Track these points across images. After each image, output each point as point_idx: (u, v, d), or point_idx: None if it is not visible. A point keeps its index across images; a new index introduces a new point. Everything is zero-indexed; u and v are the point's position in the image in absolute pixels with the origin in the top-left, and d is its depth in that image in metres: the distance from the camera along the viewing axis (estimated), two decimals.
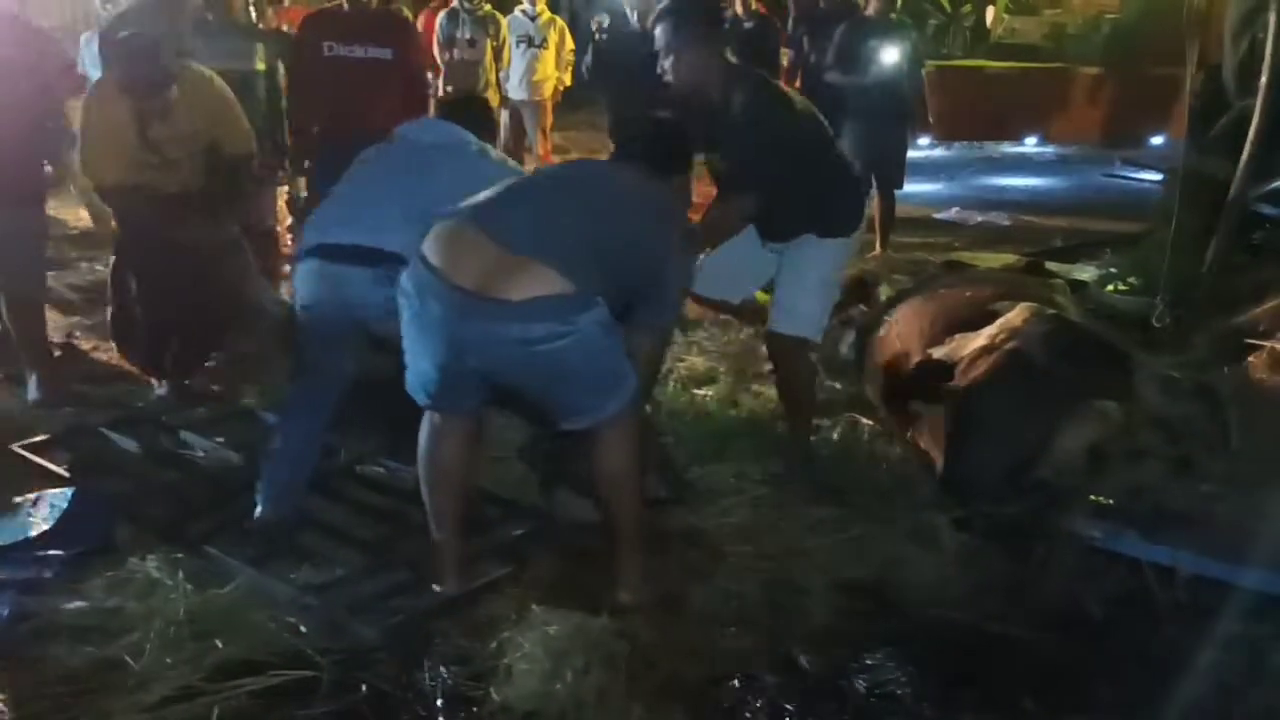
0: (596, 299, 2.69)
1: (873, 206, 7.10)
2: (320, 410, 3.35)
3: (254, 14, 6.93)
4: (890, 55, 6.75)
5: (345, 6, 5.12)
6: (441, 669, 2.65)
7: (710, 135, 3.48)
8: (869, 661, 2.71)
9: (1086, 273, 5.71)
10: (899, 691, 2.63)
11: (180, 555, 3.13)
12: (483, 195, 2.87)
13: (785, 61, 7.78)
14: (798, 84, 7.46)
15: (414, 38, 5.62)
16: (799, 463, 3.75)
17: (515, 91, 8.80)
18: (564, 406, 2.83)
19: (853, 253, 3.86)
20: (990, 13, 13.40)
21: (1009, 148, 12.44)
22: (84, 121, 4.19)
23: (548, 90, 9.16)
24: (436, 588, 2.96)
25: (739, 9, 7.57)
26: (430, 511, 2.96)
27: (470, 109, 3.74)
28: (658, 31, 3.49)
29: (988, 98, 12.01)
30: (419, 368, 2.83)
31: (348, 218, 3.26)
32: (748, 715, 2.53)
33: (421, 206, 3.01)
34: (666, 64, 3.44)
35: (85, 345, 5.15)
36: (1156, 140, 11.64)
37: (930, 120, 7.64)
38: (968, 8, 13.36)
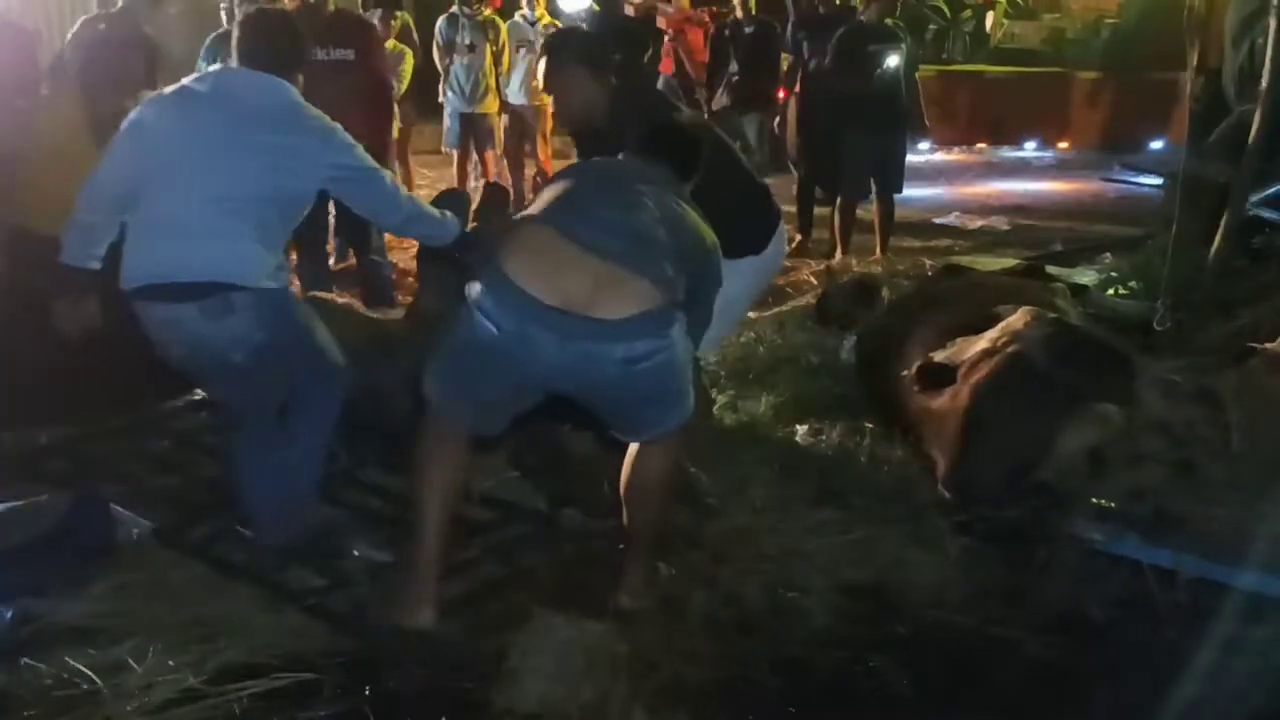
0: (680, 309, 2.65)
1: (873, 210, 7.14)
2: (269, 440, 3.13)
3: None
4: (888, 61, 6.76)
5: (301, 6, 5.12)
6: (443, 671, 2.65)
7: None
8: (870, 664, 2.71)
9: (1087, 276, 5.71)
10: (900, 694, 2.63)
11: (182, 558, 3.13)
12: (553, 196, 2.76)
13: (785, 65, 7.80)
14: (797, 88, 7.49)
15: (375, 38, 5.64)
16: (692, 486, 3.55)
17: (515, 96, 8.80)
18: (636, 422, 2.76)
19: (773, 272, 3.78)
20: (990, 18, 13.42)
21: (1008, 152, 12.46)
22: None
23: (548, 96, 9.16)
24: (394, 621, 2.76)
25: (739, 13, 7.58)
26: (420, 529, 2.77)
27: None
28: (539, 66, 3.59)
29: (987, 103, 12.03)
30: (473, 394, 2.70)
31: (150, 248, 2.91)
32: (749, 718, 2.54)
33: (230, 190, 2.86)
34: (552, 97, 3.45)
35: None
36: (1156, 145, 11.66)
37: (927, 125, 7.65)
38: (967, 13, 13.38)
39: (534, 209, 2.79)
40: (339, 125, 3.06)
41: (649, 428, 2.76)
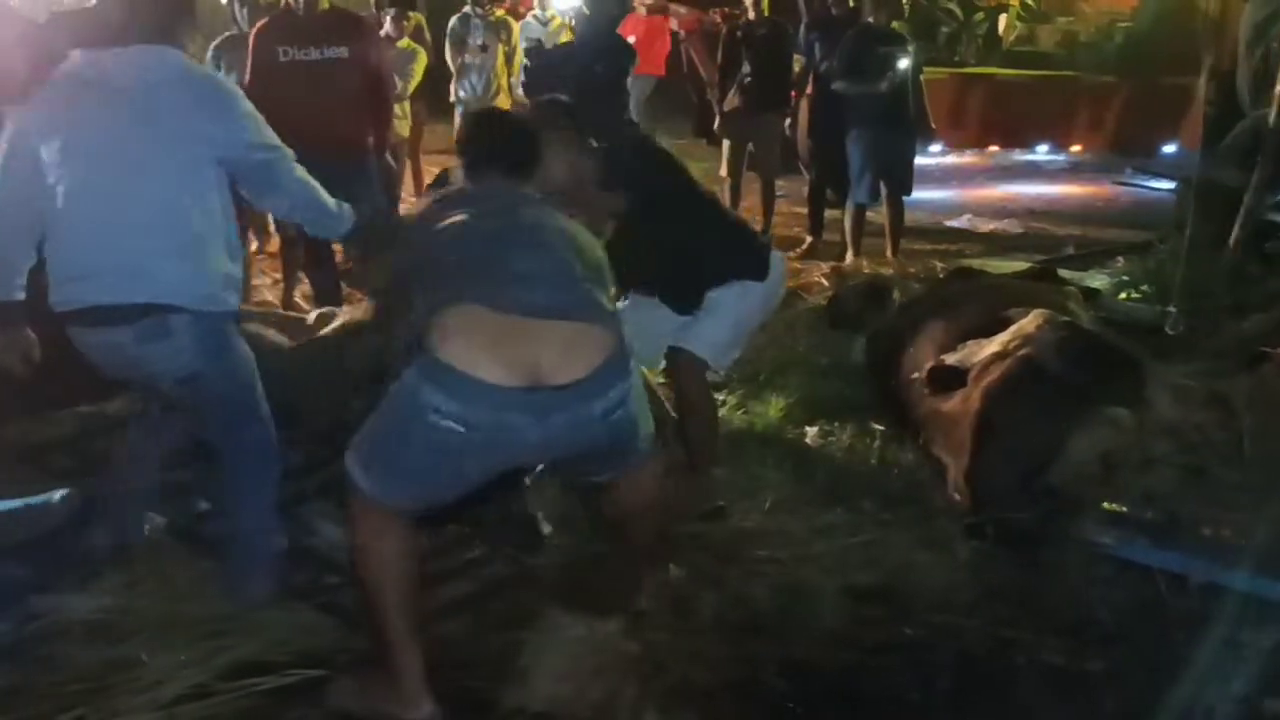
0: (623, 337, 2.52)
1: (883, 213, 7.14)
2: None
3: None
4: (897, 63, 6.76)
5: (297, 8, 5.06)
6: (453, 670, 2.65)
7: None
8: (879, 666, 2.71)
9: (1099, 280, 5.70)
10: (909, 697, 2.63)
11: (193, 554, 3.14)
12: (462, 266, 2.48)
13: (797, 66, 7.79)
14: (809, 90, 7.49)
15: (371, 35, 5.50)
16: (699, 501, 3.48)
17: None
18: (615, 464, 2.62)
19: (777, 296, 3.73)
20: (1003, 21, 13.38)
21: (1020, 155, 12.43)
22: None
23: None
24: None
25: (751, 14, 7.58)
26: (391, 629, 2.44)
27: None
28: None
29: (999, 106, 12.00)
30: (431, 489, 2.47)
31: (72, 266, 2.67)
32: (758, 719, 2.54)
33: (147, 195, 2.63)
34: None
35: None
36: (1169, 149, 11.61)
37: (933, 127, 7.63)
38: (980, 16, 13.33)
39: (433, 280, 2.50)
40: (239, 93, 2.85)
41: (628, 463, 2.64)
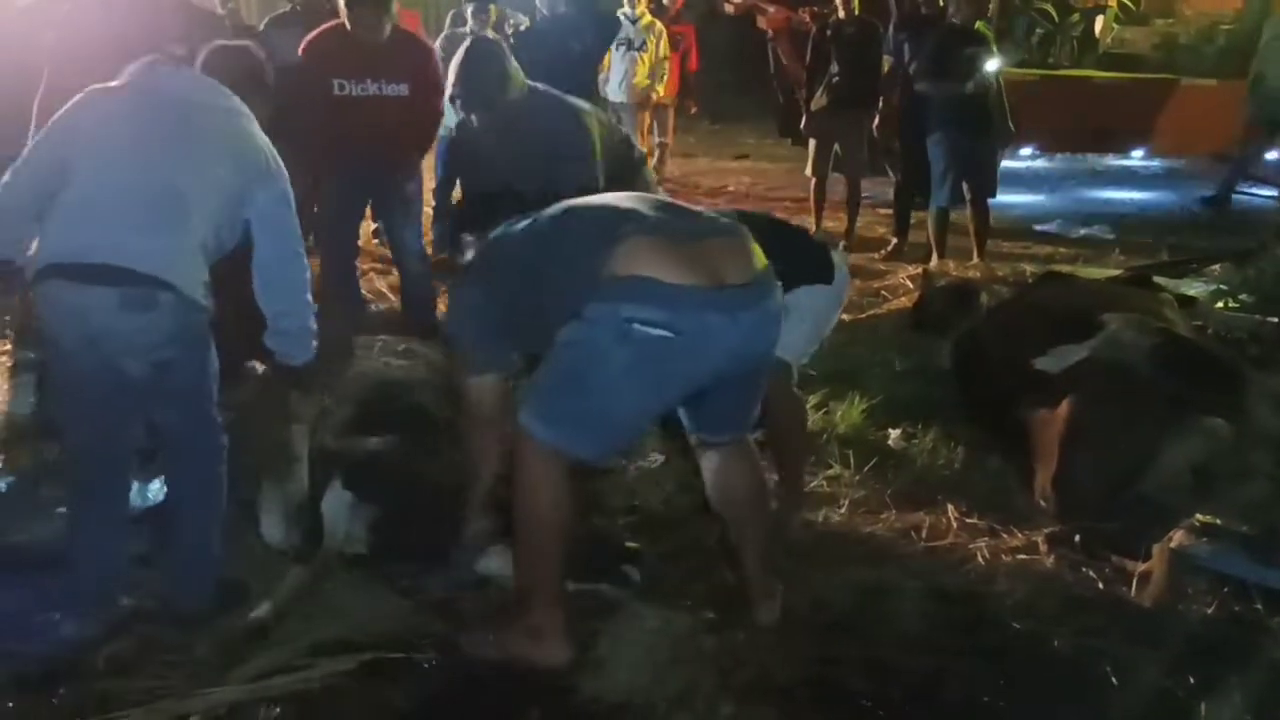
0: None
1: (968, 216, 7.04)
2: (114, 500, 2.83)
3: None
4: (983, 64, 6.66)
5: (352, 30, 4.56)
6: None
7: None
8: (961, 671, 2.67)
9: (1196, 288, 5.55)
10: (991, 703, 2.59)
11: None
12: (622, 210, 2.59)
13: (886, 67, 7.72)
14: (898, 91, 7.41)
15: (433, 66, 4.85)
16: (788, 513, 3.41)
17: (614, 94, 8.84)
18: (737, 408, 2.71)
19: (844, 296, 3.69)
20: (1099, 22, 13.09)
21: (1113, 160, 12.15)
22: None
23: (650, 94, 9.18)
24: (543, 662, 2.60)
25: (841, 13, 7.53)
26: (547, 575, 2.59)
27: None
28: None
29: (1094, 109, 11.73)
30: (631, 421, 2.59)
31: (76, 225, 2.61)
32: (836, 718, 2.52)
33: (181, 189, 2.62)
34: None
35: None
36: (1272, 155, 11.25)
37: (1013, 131, 7.48)
38: (1076, 17, 13.06)
39: (572, 247, 2.58)
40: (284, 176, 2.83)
41: (745, 415, 2.75)
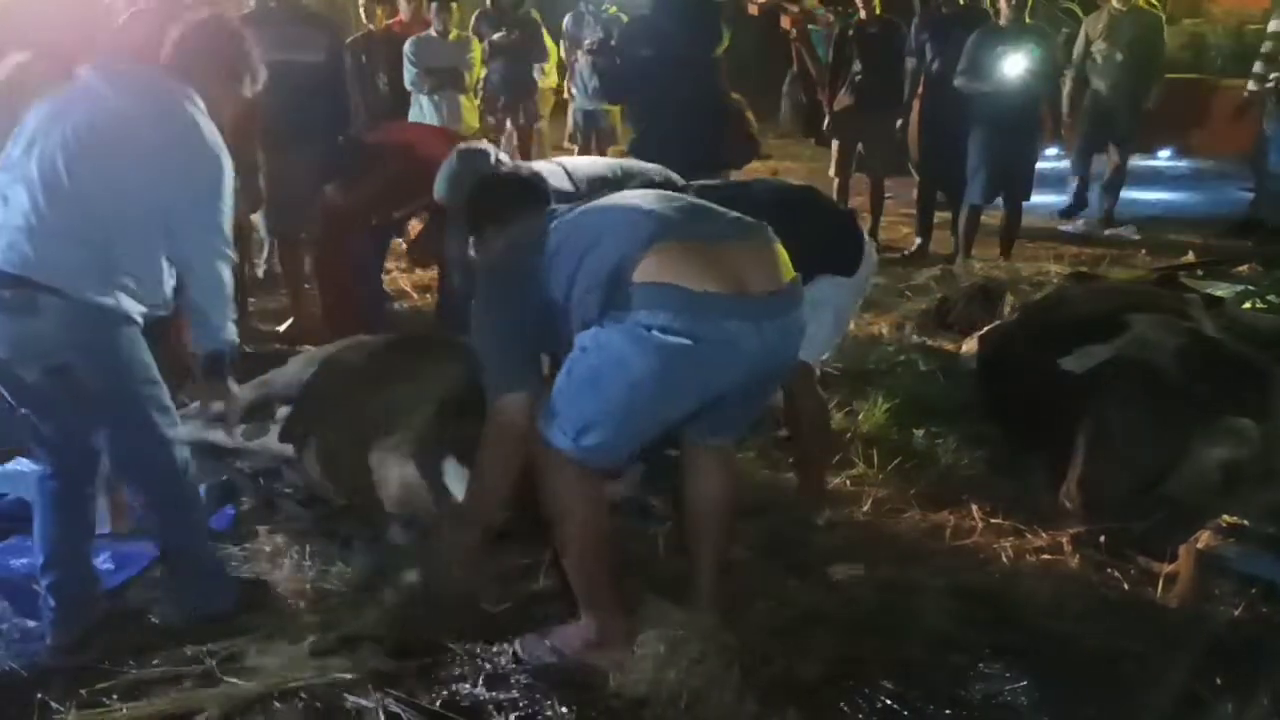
0: None
1: (997, 216, 7.01)
2: (74, 506, 2.81)
3: (364, 15, 7.08)
4: (1021, 64, 6.63)
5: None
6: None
7: None
8: (986, 671, 2.67)
9: (1223, 289, 5.51)
10: (1016, 703, 2.58)
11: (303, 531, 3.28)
12: (623, 221, 2.53)
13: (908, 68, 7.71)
14: (920, 90, 7.40)
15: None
16: (810, 511, 3.45)
17: None
18: (739, 414, 2.70)
19: (865, 289, 3.68)
20: None
21: (1139, 161, 12.06)
22: None
23: None
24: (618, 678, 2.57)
25: (863, 13, 7.52)
26: (599, 578, 2.60)
27: None
28: None
29: None
30: (647, 427, 2.52)
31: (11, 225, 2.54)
32: (860, 717, 2.52)
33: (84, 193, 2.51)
34: None
35: None
36: None
37: (1063, 131, 7.44)
38: None
39: (593, 246, 2.50)
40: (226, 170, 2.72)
41: (742, 420, 2.75)
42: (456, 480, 3.06)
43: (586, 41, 7.55)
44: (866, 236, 3.63)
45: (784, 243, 2.95)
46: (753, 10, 10.59)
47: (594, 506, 2.55)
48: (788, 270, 2.54)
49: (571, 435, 2.44)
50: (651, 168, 4.83)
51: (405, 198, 4.89)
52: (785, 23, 9.98)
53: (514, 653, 2.69)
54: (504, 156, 4.54)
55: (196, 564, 2.89)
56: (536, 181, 3.27)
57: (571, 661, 2.61)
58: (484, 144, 4.56)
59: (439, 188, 4.38)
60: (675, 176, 4.68)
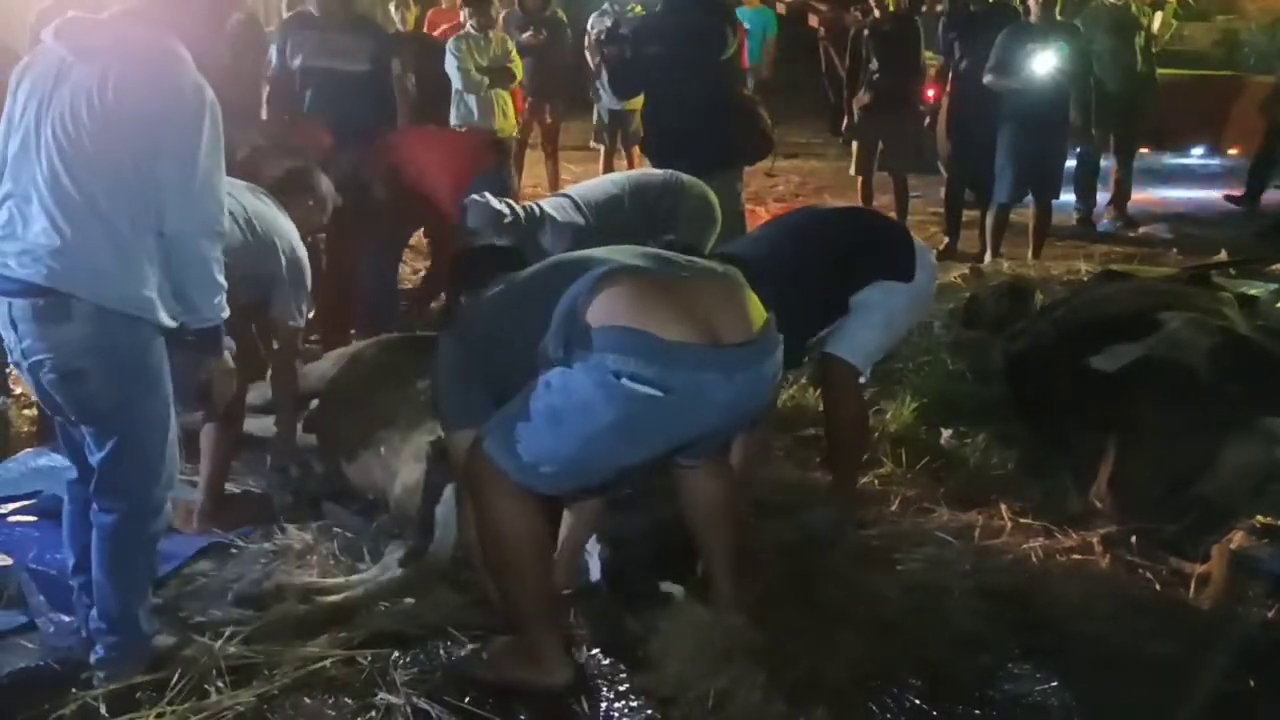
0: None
1: (1026, 215, 6.97)
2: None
3: (396, 18, 7.11)
4: (1050, 61, 6.59)
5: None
6: (583, 651, 2.70)
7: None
8: (1015, 672, 2.65)
9: (1256, 287, 5.44)
10: (1044, 704, 2.57)
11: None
12: (609, 254, 2.53)
13: (935, 66, 7.67)
14: (948, 88, 7.37)
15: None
16: (842, 516, 3.40)
17: None
18: (719, 441, 2.69)
19: (927, 298, 3.66)
20: (1158, 19, 12.84)
21: (1170, 159, 11.94)
22: None
23: None
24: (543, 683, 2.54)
25: (877, 12, 7.51)
26: (531, 604, 2.52)
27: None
28: None
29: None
30: (604, 471, 2.49)
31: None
32: (888, 717, 2.51)
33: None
34: None
35: None
36: None
37: (1093, 133, 7.37)
38: None
39: (557, 282, 2.48)
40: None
41: (722, 447, 2.74)
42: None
43: (594, 30, 7.53)
44: (924, 245, 3.60)
45: (834, 252, 3.08)
46: (780, 9, 10.61)
47: (531, 528, 2.46)
48: (759, 316, 2.48)
49: (520, 462, 2.38)
50: (659, 173, 4.86)
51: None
52: (813, 22, 9.98)
53: (447, 664, 2.64)
54: (508, 206, 4.57)
55: (129, 628, 2.62)
56: (509, 251, 3.23)
57: (506, 677, 2.56)
58: (487, 198, 4.55)
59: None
60: (686, 178, 4.71)
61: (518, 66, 7.26)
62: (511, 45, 7.28)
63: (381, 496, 3.40)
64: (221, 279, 2.58)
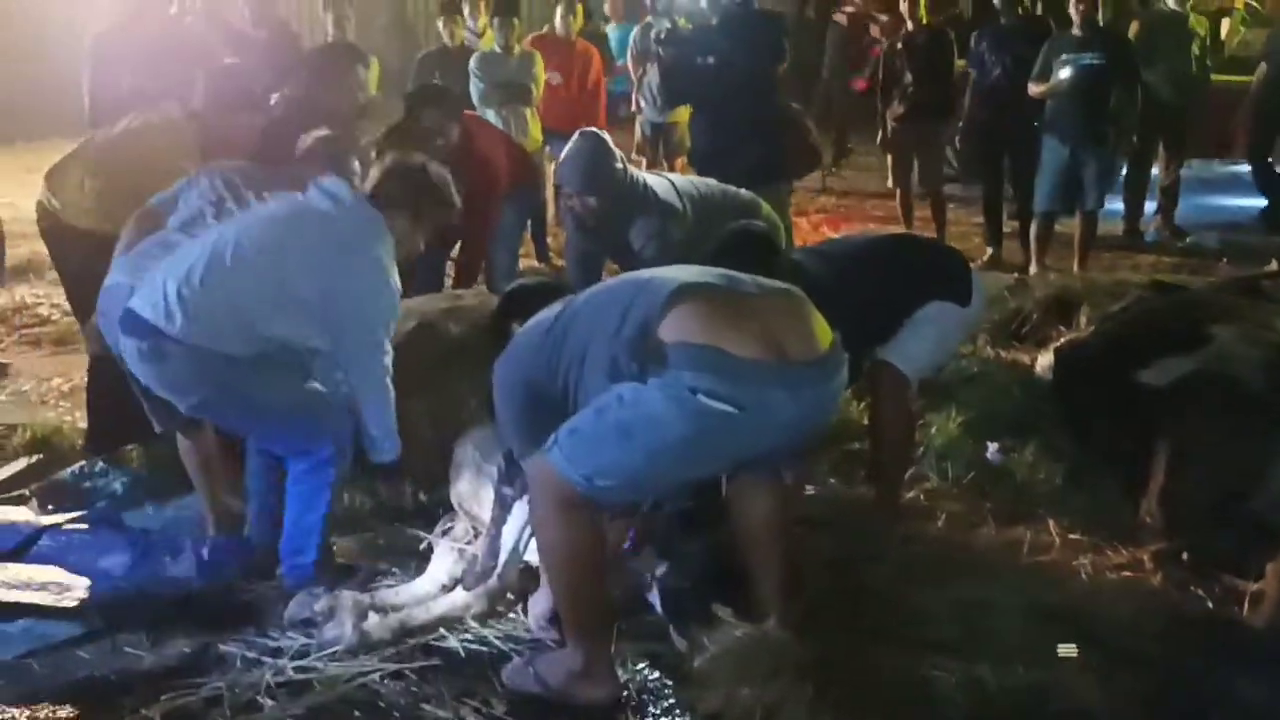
0: None
1: (1072, 225, 6.91)
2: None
3: (444, 34, 7.16)
4: (1092, 70, 6.54)
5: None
6: (628, 665, 2.72)
7: None
8: (1063, 689, 2.62)
9: None
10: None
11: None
12: (675, 274, 2.56)
13: (971, 79, 7.64)
14: (968, 98, 7.35)
15: None
16: (883, 528, 3.43)
17: None
18: (781, 457, 2.69)
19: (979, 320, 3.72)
20: (1225, 25, 12.63)
21: (1221, 166, 11.76)
22: None
23: None
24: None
25: (910, 24, 7.50)
26: (586, 614, 2.57)
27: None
28: None
29: (1216, 113, 11.29)
30: (679, 479, 2.59)
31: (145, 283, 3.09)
32: None
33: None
34: None
35: None
36: None
37: (1135, 141, 7.30)
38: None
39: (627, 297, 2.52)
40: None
41: (772, 465, 2.69)
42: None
43: (653, 31, 7.53)
44: (977, 273, 3.66)
45: (897, 274, 3.21)
46: (840, 19, 10.63)
47: (589, 537, 2.50)
48: (825, 335, 2.51)
49: (584, 473, 2.41)
50: (711, 184, 4.79)
51: None
52: (875, 31, 9.99)
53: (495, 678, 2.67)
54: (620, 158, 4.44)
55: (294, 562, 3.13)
56: (560, 288, 3.18)
57: (553, 694, 2.57)
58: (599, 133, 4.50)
59: (575, 177, 4.34)
60: (740, 191, 4.67)
61: (540, 83, 7.27)
62: (539, 62, 7.30)
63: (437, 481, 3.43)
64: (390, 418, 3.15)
